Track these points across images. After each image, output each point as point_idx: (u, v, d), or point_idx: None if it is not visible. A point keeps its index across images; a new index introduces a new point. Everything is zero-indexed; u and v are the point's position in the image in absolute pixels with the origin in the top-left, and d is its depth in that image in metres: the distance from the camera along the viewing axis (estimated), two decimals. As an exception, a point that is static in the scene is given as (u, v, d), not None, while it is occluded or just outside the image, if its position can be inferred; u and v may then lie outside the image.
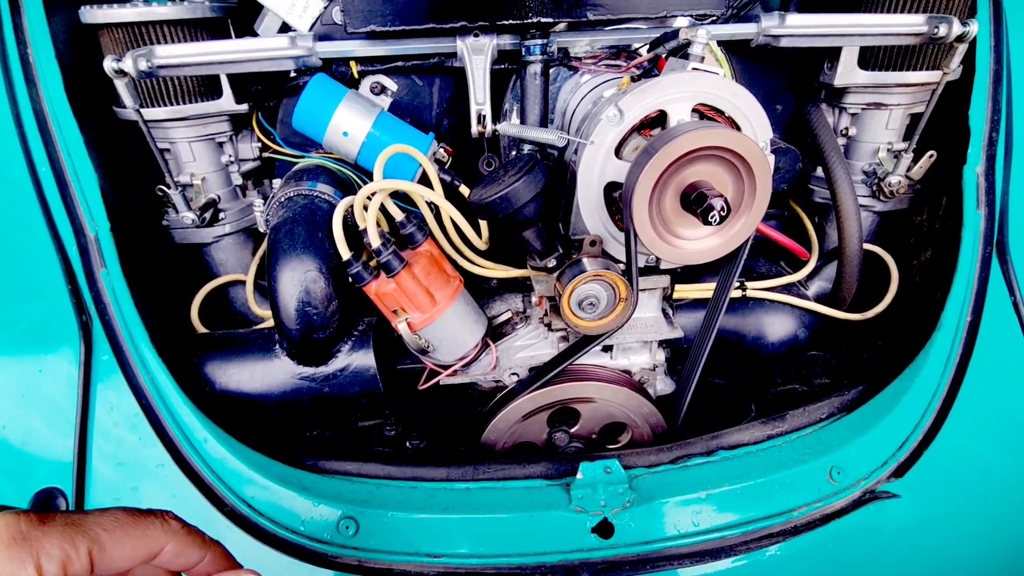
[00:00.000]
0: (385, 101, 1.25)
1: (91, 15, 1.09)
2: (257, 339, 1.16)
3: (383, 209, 1.07)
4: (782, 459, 1.04)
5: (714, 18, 1.13)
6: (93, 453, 0.95)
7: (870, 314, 1.30)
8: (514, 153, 1.16)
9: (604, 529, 0.96)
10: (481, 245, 1.17)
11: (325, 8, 1.19)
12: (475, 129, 1.13)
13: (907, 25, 1.07)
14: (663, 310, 1.18)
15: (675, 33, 0.99)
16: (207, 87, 1.20)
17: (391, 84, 1.24)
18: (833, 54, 1.21)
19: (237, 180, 1.34)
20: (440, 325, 1.05)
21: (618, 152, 0.95)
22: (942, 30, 1.04)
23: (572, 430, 1.18)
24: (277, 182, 1.35)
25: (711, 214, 0.82)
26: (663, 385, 1.27)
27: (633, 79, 1.06)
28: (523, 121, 1.12)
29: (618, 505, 0.97)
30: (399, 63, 1.17)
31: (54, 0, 1.06)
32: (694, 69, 0.91)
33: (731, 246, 0.93)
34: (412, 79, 1.25)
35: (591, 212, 0.99)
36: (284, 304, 1.05)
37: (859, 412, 1.09)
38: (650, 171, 0.83)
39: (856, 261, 1.23)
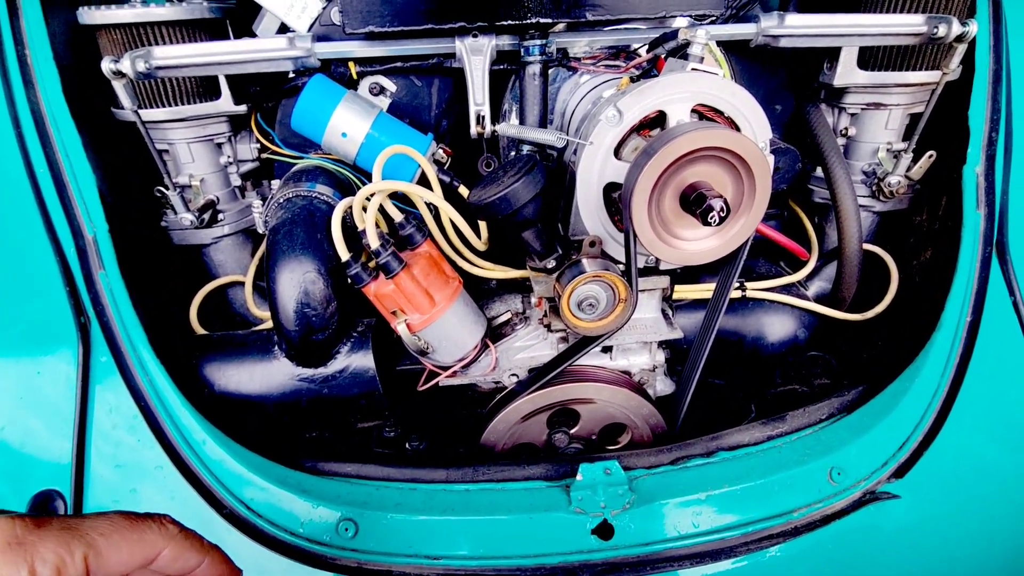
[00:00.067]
0: (384, 102, 1.25)
1: (89, 16, 1.09)
2: (256, 340, 1.16)
3: (382, 210, 1.07)
4: (782, 460, 1.04)
5: (713, 18, 1.13)
6: (92, 455, 0.95)
7: (870, 314, 1.30)
8: (513, 154, 1.16)
9: (604, 530, 0.96)
10: (480, 246, 1.17)
11: (324, 9, 1.19)
12: (474, 130, 1.13)
13: (906, 25, 1.07)
14: (663, 311, 1.18)
15: (674, 33, 0.99)
16: (205, 88, 1.20)
17: (390, 85, 1.24)
18: (832, 54, 1.21)
19: (236, 181, 1.34)
20: (439, 326, 1.05)
21: (617, 153, 0.94)
22: (941, 30, 1.04)
23: (572, 431, 1.18)
24: (276, 183, 1.35)
25: (711, 215, 0.82)
26: (663, 386, 1.27)
27: (632, 79, 1.06)
28: (522, 122, 1.12)
29: (618, 506, 0.97)
30: (398, 64, 1.17)
31: (52, 1, 1.06)
32: (693, 69, 0.91)
33: (731, 247, 0.93)
34: (411, 80, 1.25)
35: (590, 213, 0.99)
36: (283, 305, 1.05)
37: (859, 413, 1.09)
38: (649, 172, 0.83)
39: (856, 261, 1.23)
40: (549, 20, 0.98)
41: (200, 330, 1.27)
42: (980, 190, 1.10)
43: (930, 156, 1.20)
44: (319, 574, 0.92)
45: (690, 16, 1.11)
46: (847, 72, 1.20)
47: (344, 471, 1.04)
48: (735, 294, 1.27)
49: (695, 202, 0.84)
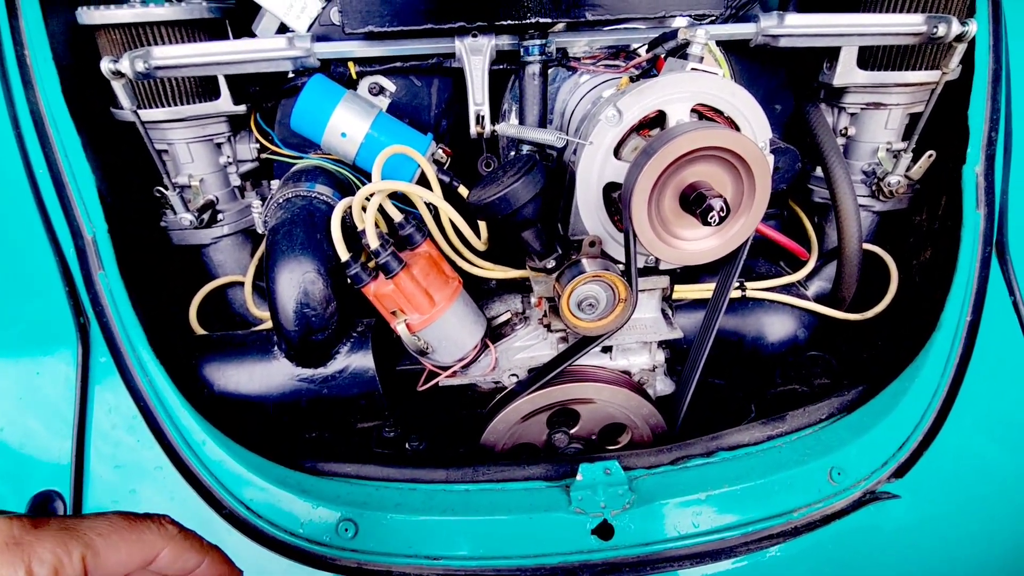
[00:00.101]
0: (383, 102, 1.25)
1: (88, 16, 1.08)
2: (256, 341, 1.16)
3: (382, 210, 1.07)
4: (782, 460, 1.04)
5: (713, 18, 1.13)
6: (91, 455, 0.95)
7: (870, 314, 1.30)
8: (513, 154, 1.16)
9: (604, 531, 0.96)
10: (480, 246, 1.17)
11: (323, 9, 1.19)
12: (474, 130, 1.13)
13: (906, 25, 1.07)
14: (662, 311, 1.18)
15: (674, 33, 0.99)
16: (205, 88, 1.20)
17: (389, 85, 1.24)
18: (832, 54, 1.21)
19: (235, 181, 1.33)
20: (439, 326, 1.05)
21: (617, 153, 0.94)
22: (941, 30, 1.04)
23: (572, 431, 1.18)
24: (275, 183, 1.35)
25: (710, 214, 0.82)
26: (663, 386, 1.27)
27: (632, 79, 1.06)
28: (522, 121, 1.12)
29: (618, 506, 0.97)
30: (397, 64, 1.17)
31: (51, 1, 1.06)
32: (693, 69, 0.90)
33: (730, 246, 0.93)
34: (410, 80, 1.25)
35: (590, 213, 0.99)
36: (283, 305, 1.05)
37: (859, 412, 1.09)
38: (649, 172, 0.83)
39: (856, 261, 1.23)
40: (549, 20, 0.98)
41: (200, 330, 1.27)
42: (980, 190, 1.10)
43: (930, 156, 1.20)
44: (319, 574, 0.92)
45: (690, 16, 1.11)
46: (847, 72, 1.20)
47: (344, 471, 1.04)
48: (735, 294, 1.26)
49: (695, 202, 0.84)
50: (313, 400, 1.13)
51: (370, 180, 1.05)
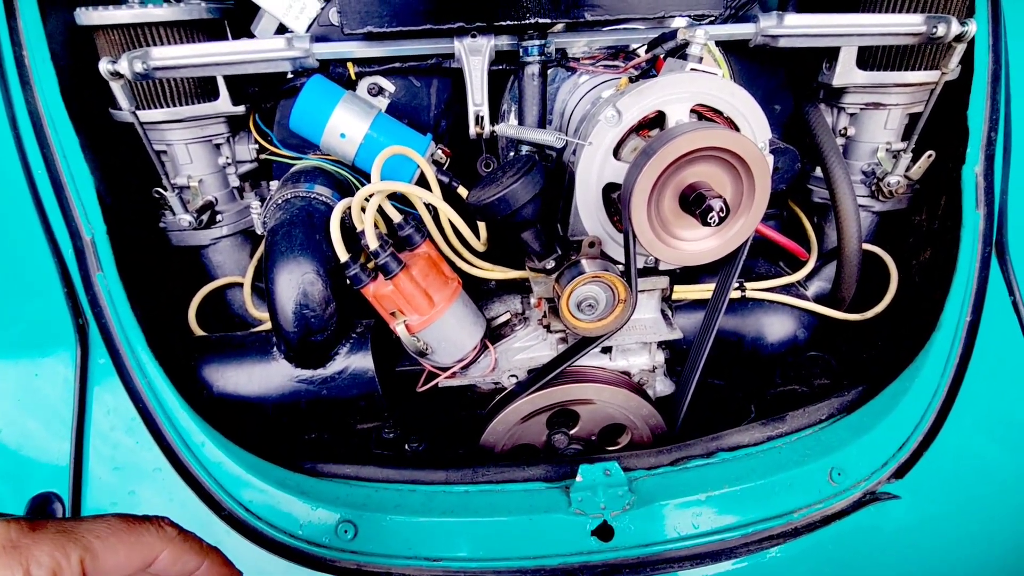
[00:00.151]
0: (382, 102, 1.24)
1: (87, 16, 1.08)
2: (255, 342, 1.16)
3: (381, 211, 1.07)
4: (782, 460, 1.04)
5: (712, 18, 1.13)
6: (90, 457, 0.95)
7: (870, 314, 1.30)
8: (512, 154, 1.16)
9: (604, 532, 0.96)
10: (479, 246, 1.17)
11: (322, 9, 1.19)
12: (473, 130, 1.13)
13: (905, 25, 1.07)
14: (662, 311, 1.18)
15: (673, 33, 0.99)
16: (204, 89, 1.20)
17: (388, 85, 1.24)
18: (831, 54, 1.21)
19: (234, 182, 1.33)
20: (438, 327, 1.05)
21: (616, 153, 0.94)
22: (940, 30, 1.04)
23: (571, 432, 1.18)
24: (274, 184, 1.35)
25: (710, 215, 0.82)
26: (662, 386, 1.27)
27: (631, 80, 1.05)
28: (521, 122, 1.12)
29: (618, 507, 0.96)
30: (396, 64, 1.17)
31: (49, 1, 1.06)
32: (692, 70, 0.90)
33: (730, 247, 0.93)
34: (410, 80, 1.25)
35: (590, 213, 0.98)
36: (282, 306, 1.05)
37: (859, 413, 1.09)
38: (648, 172, 0.83)
39: (855, 261, 1.23)
40: (548, 20, 0.98)
41: (199, 331, 1.27)
42: (979, 190, 1.10)
43: (929, 156, 1.20)
44: (318, 576, 0.92)
45: (689, 16, 1.11)
46: (846, 72, 1.20)
47: (343, 473, 1.04)
48: (735, 294, 1.26)
49: (694, 202, 0.84)
50: (312, 401, 1.12)
51: (369, 181, 1.05)
